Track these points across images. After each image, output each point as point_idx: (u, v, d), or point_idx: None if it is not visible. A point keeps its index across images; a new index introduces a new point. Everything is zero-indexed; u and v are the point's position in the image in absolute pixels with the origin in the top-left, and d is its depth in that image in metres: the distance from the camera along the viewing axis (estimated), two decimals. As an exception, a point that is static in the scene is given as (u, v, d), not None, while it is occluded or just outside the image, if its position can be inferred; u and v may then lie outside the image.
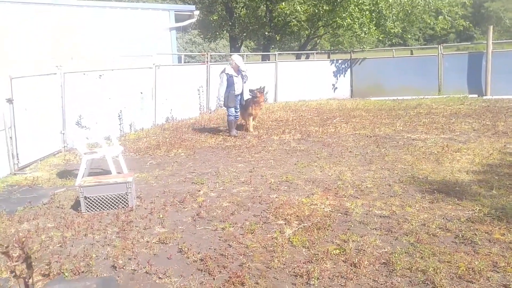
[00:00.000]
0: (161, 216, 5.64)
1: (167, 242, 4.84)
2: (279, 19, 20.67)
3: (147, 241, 4.88)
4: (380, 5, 18.93)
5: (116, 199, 5.89)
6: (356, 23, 18.17)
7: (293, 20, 20.05)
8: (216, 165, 8.22)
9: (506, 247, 4.41)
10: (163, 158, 8.91)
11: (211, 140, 10.35)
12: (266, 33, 22.22)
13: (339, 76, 19.40)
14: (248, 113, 11.35)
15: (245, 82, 10.90)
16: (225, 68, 10.73)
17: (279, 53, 19.05)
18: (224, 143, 10.10)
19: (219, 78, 10.80)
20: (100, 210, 5.85)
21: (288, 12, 19.28)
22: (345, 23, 18.04)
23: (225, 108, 11.05)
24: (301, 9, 18.78)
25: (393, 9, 19.36)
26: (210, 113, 14.65)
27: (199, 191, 6.63)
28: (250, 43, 34.22)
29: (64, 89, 9.92)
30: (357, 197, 6.10)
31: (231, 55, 12.42)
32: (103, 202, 5.86)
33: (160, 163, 8.53)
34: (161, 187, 6.94)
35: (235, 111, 10.90)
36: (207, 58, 14.98)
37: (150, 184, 7.15)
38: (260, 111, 11.71)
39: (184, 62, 17.98)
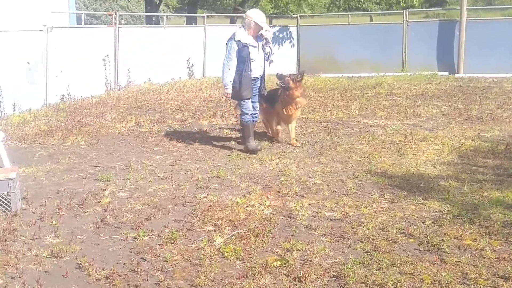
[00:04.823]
0: (54, 222, 5.51)
1: (62, 255, 4.74)
2: None
3: (36, 255, 4.75)
4: None
5: (-6, 201, 5.70)
6: None
7: None
8: (126, 156, 8.12)
9: (478, 255, 4.64)
10: (57, 148, 8.69)
11: (121, 125, 10.18)
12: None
13: (283, 46, 19.59)
14: (275, 113, 8.77)
15: (268, 59, 8.48)
16: (234, 33, 8.04)
17: (209, 15, 18.99)
18: (137, 128, 9.97)
19: (226, 50, 8.18)
20: (-29, 215, 5.64)
21: None
22: None
23: (231, 101, 9.05)
24: None
25: None
26: (119, 90, 14.40)
27: (104, 190, 6.53)
28: (171, 1, 33.77)
29: None
30: (303, 196, 6.23)
31: (239, 10, 10.52)
32: (-24, 205, 5.65)
33: (52, 154, 8.31)
34: (55, 186, 6.77)
35: (254, 107, 8.39)
36: (115, 19, 14.67)
37: (39, 182, 6.96)
38: (297, 111, 8.72)
39: (86, 24, 17.54)
